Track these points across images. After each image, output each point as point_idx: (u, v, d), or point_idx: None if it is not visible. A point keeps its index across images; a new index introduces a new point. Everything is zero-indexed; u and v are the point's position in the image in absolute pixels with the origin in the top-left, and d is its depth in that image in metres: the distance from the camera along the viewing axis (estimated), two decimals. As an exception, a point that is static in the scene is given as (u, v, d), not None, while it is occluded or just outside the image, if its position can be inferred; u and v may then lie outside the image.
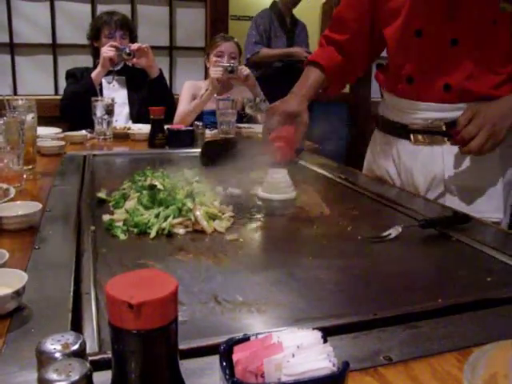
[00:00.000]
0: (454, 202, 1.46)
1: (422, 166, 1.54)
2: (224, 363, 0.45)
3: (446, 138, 1.48)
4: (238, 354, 0.46)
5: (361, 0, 1.65)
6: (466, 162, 1.46)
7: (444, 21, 1.43)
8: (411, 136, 1.54)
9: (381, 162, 1.69)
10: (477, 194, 1.48)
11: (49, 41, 3.78)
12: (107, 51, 2.78)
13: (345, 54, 1.70)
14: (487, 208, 1.46)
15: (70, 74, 3.00)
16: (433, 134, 1.51)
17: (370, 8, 1.62)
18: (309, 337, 0.47)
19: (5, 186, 1.31)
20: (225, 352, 0.47)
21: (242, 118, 2.80)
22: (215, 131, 2.45)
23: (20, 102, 1.78)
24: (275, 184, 1.37)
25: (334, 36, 1.71)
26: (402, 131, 1.57)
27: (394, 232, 1.10)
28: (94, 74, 2.79)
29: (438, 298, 0.81)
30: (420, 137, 1.52)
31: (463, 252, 1.06)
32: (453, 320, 0.74)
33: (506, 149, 1.45)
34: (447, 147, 1.48)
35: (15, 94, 3.72)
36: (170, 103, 2.92)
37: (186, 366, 0.47)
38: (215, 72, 2.77)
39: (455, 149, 1.44)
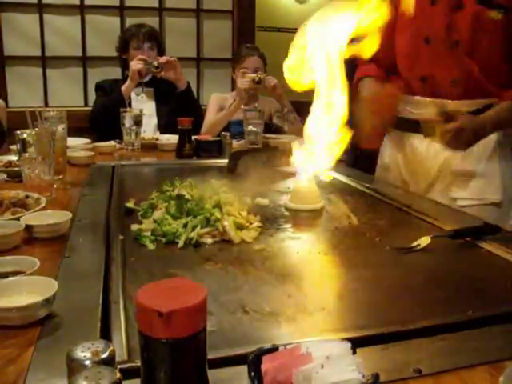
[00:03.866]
0: (459, 193, 1.66)
1: (433, 155, 1.72)
2: (252, 373, 0.45)
3: None
4: (267, 365, 0.46)
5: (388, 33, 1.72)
6: (468, 150, 1.62)
7: (446, 28, 1.64)
8: (423, 129, 1.72)
9: (393, 155, 1.87)
10: (479, 179, 1.66)
11: (79, 53, 3.85)
12: (136, 64, 2.82)
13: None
14: (487, 190, 1.66)
15: (99, 87, 3.05)
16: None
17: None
18: (338, 348, 0.46)
19: (36, 195, 1.33)
20: (253, 362, 0.46)
21: (270, 128, 2.80)
22: (242, 141, 2.45)
23: (51, 114, 1.82)
24: (302, 194, 1.37)
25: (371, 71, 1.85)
26: (415, 126, 1.75)
27: (422, 242, 1.08)
28: (123, 88, 2.83)
29: (468, 309, 0.80)
30: (431, 130, 1.68)
31: (493, 263, 1.04)
32: (483, 332, 0.73)
33: (503, 137, 1.67)
34: None
35: (46, 105, 3.79)
36: (198, 115, 2.94)
37: (214, 375, 0.47)
38: (242, 83, 2.79)
39: None
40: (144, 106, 2.86)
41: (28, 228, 1.09)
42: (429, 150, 1.73)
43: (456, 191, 1.68)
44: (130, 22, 3.78)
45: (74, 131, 2.10)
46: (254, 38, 4.15)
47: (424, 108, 1.72)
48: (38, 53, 3.76)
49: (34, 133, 1.49)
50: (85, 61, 3.87)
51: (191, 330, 0.40)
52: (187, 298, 0.40)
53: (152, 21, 3.81)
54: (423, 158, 1.75)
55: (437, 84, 1.70)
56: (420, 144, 1.76)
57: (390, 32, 1.73)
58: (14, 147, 2.09)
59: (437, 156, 1.72)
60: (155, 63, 2.84)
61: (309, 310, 0.81)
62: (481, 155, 1.67)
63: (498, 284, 0.94)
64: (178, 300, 0.40)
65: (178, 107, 2.88)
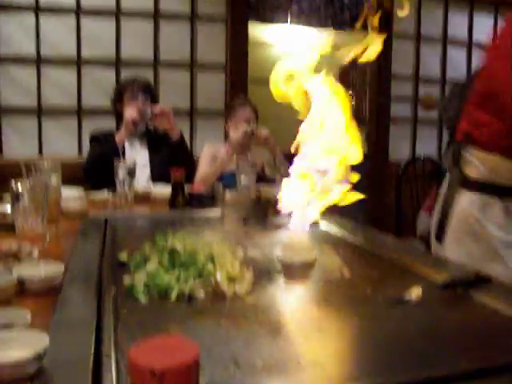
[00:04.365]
0: None
1: None
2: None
3: None
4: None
5: None
6: None
7: None
8: None
9: (483, 226, 1.69)
10: None
11: (74, 104, 3.91)
12: (130, 113, 2.87)
13: None
14: None
15: (94, 138, 3.09)
16: None
17: None
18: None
19: (28, 246, 1.33)
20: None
21: (262, 179, 2.83)
22: (235, 192, 2.47)
23: (45, 164, 1.83)
24: (295, 246, 1.37)
25: None
26: None
27: (414, 294, 1.09)
28: (117, 137, 2.87)
29: (461, 361, 0.80)
30: None
31: (485, 314, 1.04)
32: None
33: None
34: None
35: (40, 155, 3.82)
36: (191, 165, 2.97)
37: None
38: (235, 134, 2.83)
39: None
40: (137, 155, 2.90)
41: (20, 281, 1.09)
42: None
43: None
44: (125, 74, 3.86)
45: (67, 180, 2.11)
46: (247, 90, 4.23)
47: None
48: (34, 104, 3.81)
49: (27, 183, 1.50)
50: (80, 111, 3.93)
51: (185, 387, 0.40)
52: (180, 357, 0.40)
53: (147, 73, 3.89)
54: None
55: None
56: None
57: None
58: (7, 196, 2.10)
59: None
60: (149, 112, 2.89)
61: (302, 364, 0.80)
62: None
63: (490, 336, 0.94)
64: (170, 359, 0.40)
65: (171, 157, 2.92)
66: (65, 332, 0.89)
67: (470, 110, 1.80)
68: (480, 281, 1.16)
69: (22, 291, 1.09)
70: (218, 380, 0.75)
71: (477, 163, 1.72)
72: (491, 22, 4.88)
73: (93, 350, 0.81)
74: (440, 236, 1.79)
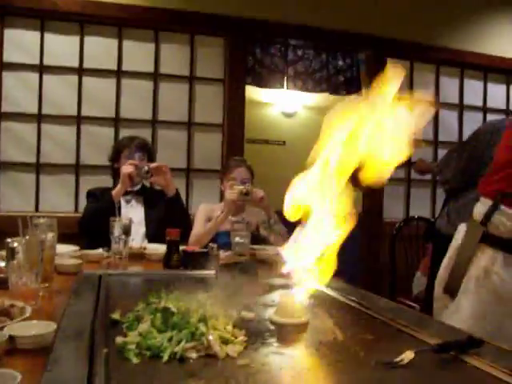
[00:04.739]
0: None
1: None
2: None
3: None
4: None
5: None
6: None
7: None
8: None
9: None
10: None
11: (72, 161, 3.96)
12: (127, 168, 2.91)
13: None
14: None
15: (91, 194, 3.12)
16: None
17: None
18: None
19: (21, 304, 1.33)
20: None
21: (256, 239, 2.84)
22: (229, 252, 2.48)
23: (41, 221, 1.85)
24: (287, 308, 1.38)
25: None
26: None
27: (407, 357, 1.09)
28: (114, 192, 2.91)
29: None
30: None
31: (478, 378, 1.04)
32: None
33: None
34: None
35: (37, 210, 3.84)
36: (186, 222, 2.99)
37: None
38: (230, 194, 2.86)
39: None
40: (133, 213, 2.92)
41: (11, 339, 1.09)
42: None
43: None
44: (124, 133, 3.94)
45: (62, 237, 2.12)
46: (243, 149, 4.30)
47: None
48: (33, 159, 3.87)
49: (23, 241, 1.51)
50: (78, 168, 3.98)
51: None
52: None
53: (145, 132, 3.98)
54: None
55: None
56: None
57: None
58: (1, 252, 2.10)
59: None
60: (146, 168, 2.94)
61: (293, 430, 0.80)
62: None
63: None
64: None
65: (167, 214, 2.94)
66: (55, 393, 0.88)
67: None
68: (473, 344, 1.16)
69: (12, 350, 1.09)
70: None
71: (504, 220, 1.78)
72: (481, 86, 5.05)
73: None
74: (451, 288, 1.84)
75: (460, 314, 1.80)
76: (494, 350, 1.17)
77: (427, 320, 1.48)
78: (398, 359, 1.08)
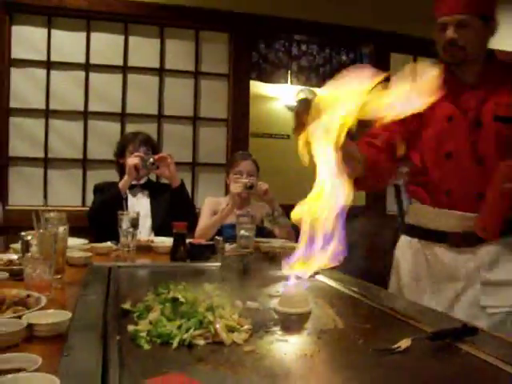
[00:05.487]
0: (489, 301, 1.73)
1: (462, 264, 1.78)
2: None
3: None
4: None
5: (392, 125, 1.82)
6: (502, 259, 1.74)
7: (471, 144, 1.76)
8: (449, 240, 1.82)
9: (411, 264, 1.95)
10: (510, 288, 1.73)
11: (80, 156, 4.02)
12: (132, 160, 2.96)
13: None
14: None
15: (98, 189, 3.18)
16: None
17: (400, 134, 1.87)
18: None
19: (36, 294, 1.39)
20: None
21: (261, 231, 2.89)
22: (234, 245, 2.53)
23: (52, 215, 1.90)
24: (291, 298, 1.43)
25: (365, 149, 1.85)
26: (440, 236, 1.84)
27: (403, 344, 1.14)
28: (121, 184, 2.96)
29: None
30: (457, 241, 1.80)
31: (472, 365, 1.09)
32: None
33: None
34: (485, 247, 1.76)
35: (46, 204, 3.91)
36: (192, 213, 3.05)
37: None
38: (235, 188, 2.91)
39: (491, 248, 1.76)
40: (139, 206, 2.97)
41: (29, 326, 1.15)
42: (457, 259, 1.80)
43: (486, 300, 1.73)
44: (130, 127, 4.00)
45: (71, 230, 2.17)
46: (248, 144, 4.35)
47: (448, 219, 1.81)
48: (41, 154, 3.94)
49: (37, 234, 1.57)
50: (85, 163, 4.04)
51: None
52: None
53: (151, 127, 4.03)
54: (449, 268, 1.81)
55: (461, 197, 1.79)
56: (444, 254, 1.83)
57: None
58: (13, 245, 2.16)
59: (465, 265, 1.78)
60: (151, 160, 2.99)
61: (294, 410, 0.85)
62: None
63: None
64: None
65: (172, 206, 2.99)
66: (73, 377, 0.94)
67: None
68: (467, 331, 1.22)
69: (30, 337, 1.15)
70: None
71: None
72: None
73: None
74: None
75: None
76: (488, 338, 1.23)
77: (424, 309, 1.53)
78: (395, 346, 1.14)
